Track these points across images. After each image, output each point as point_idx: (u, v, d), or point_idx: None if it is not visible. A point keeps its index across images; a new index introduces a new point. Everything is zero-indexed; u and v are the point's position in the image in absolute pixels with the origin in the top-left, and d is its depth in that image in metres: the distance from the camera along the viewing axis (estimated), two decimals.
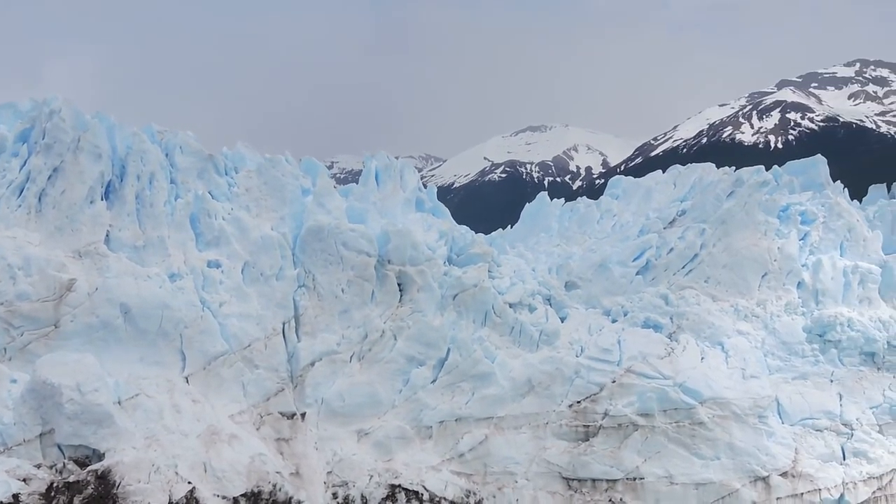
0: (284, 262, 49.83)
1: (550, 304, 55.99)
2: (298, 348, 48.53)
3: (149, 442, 41.23)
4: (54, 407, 39.75)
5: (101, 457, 40.02)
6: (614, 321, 55.54)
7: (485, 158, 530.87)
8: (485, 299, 52.85)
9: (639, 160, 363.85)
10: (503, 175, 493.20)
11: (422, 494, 46.30)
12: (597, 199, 67.57)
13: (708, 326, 54.93)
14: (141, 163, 49.14)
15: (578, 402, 50.87)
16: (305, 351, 48.52)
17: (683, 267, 57.32)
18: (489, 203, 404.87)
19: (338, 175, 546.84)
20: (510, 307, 53.81)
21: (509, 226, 70.13)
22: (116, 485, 38.88)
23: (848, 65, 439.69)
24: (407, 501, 45.86)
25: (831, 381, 54.65)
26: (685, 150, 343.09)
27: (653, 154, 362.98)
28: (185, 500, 39.82)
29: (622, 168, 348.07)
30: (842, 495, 50.81)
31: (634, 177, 70.15)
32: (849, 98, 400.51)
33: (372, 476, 46.27)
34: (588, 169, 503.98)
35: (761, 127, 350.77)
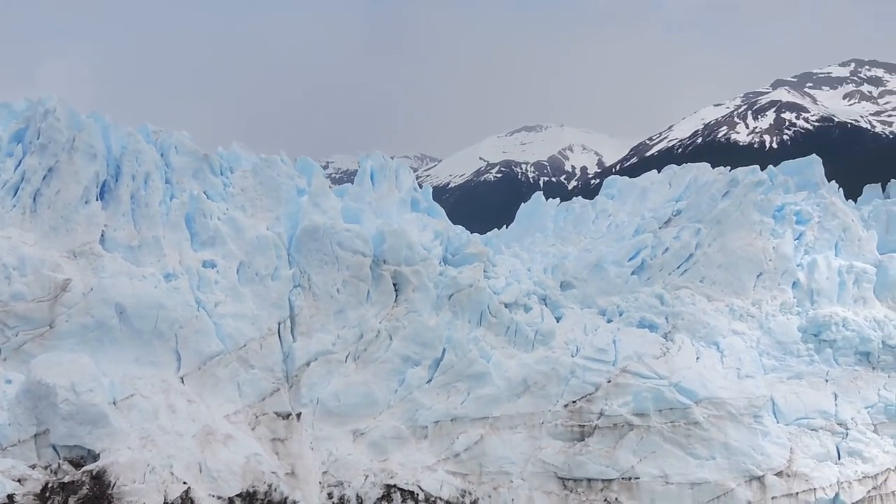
0: (280, 262, 49.80)
1: (546, 304, 56.02)
2: (294, 348, 48.52)
3: (144, 442, 41.19)
4: (49, 407, 39.70)
5: (96, 457, 39.99)
6: (610, 321, 55.56)
7: (480, 158, 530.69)
8: (480, 299, 52.86)
9: (634, 160, 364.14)
10: (498, 175, 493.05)
11: (417, 494, 46.29)
12: (592, 199, 67.65)
13: (703, 326, 54.97)
14: (136, 163, 49.11)
15: (574, 401, 50.90)
16: (301, 351, 48.51)
17: (679, 267, 57.38)
18: (484, 203, 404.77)
19: (333, 175, 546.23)
20: (506, 307, 53.83)
21: (505, 226, 70.22)
22: (111, 485, 38.84)
23: (843, 65, 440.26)
24: (402, 501, 45.85)
25: (826, 381, 54.70)
26: (680, 149, 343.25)
27: (648, 154, 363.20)
28: (180, 501, 39.78)
29: (617, 168, 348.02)
30: (837, 495, 50.86)
31: (630, 177, 70.23)
32: (844, 98, 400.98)
33: (367, 476, 46.26)
34: (583, 169, 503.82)
35: (756, 127, 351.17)
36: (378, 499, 45.62)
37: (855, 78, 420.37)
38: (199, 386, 45.83)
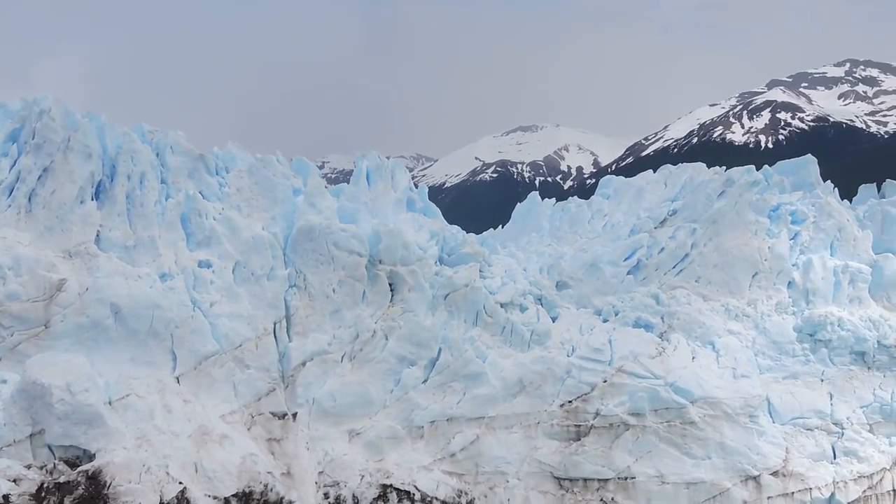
0: (275, 262, 49.76)
1: (542, 304, 56.00)
2: (289, 348, 48.48)
3: (139, 442, 41.14)
4: (44, 407, 39.64)
5: (91, 457, 39.92)
6: (605, 321, 55.56)
7: (476, 158, 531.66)
8: (476, 299, 52.85)
9: (630, 160, 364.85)
10: (494, 175, 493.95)
11: (413, 494, 46.30)
12: (588, 198, 67.65)
13: (699, 326, 55.01)
14: (131, 162, 49.05)
15: (570, 401, 50.90)
16: (296, 351, 48.47)
17: (674, 267, 57.39)
18: (480, 203, 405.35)
19: (329, 175, 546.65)
20: (501, 307, 53.82)
21: (500, 226, 70.17)
22: (107, 485, 38.80)
23: (838, 65, 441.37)
24: (398, 501, 45.85)
25: (822, 381, 54.75)
26: (676, 149, 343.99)
27: (644, 154, 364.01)
28: (175, 501, 39.75)
29: (613, 168, 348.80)
30: (832, 494, 50.94)
31: (625, 177, 70.20)
32: (839, 98, 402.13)
33: (363, 476, 46.25)
34: (579, 169, 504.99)
35: (752, 127, 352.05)
36: (374, 499, 45.62)
37: (850, 78, 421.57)
38: (195, 386, 45.78)
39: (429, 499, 46.43)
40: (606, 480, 49.06)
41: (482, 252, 55.98)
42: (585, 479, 49.10)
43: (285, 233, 51.37)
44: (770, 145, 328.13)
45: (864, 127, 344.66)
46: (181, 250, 48.77)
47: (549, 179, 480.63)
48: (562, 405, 50.85)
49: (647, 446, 49.73)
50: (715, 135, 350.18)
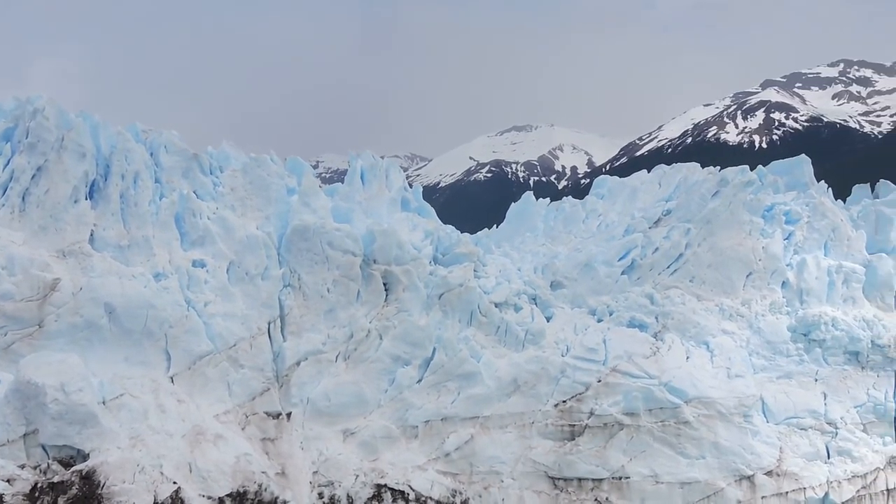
0: (270, 262, 49.72)
1: (536, 304, 56.03)
2: (284, 348, 48.46)
3: (133, 442, 41.09)
4: (38, 407, 39.57)
5: (85, 457, 39.87)
6: (600, 321, 55.61)
7: (470, 158, 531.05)
8: (470, 299, 52.86)
9: (624, 160, 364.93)
10: (489, 175, 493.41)
11: (408, 494, 46.28)
12: (582, 198, 67.70)
13: (693, 326, 55.06)
14: (125, 162, 49.00)
15: (564, 401, 50.93)
16: (291, 350, 48.45)
17: (668, 266, 57.43)
18: (475, 203, 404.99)
19: (323, 174, 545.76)
20: (496, 307, 53.84)
21: (495, 225, 70.25)
22: (101, 485, 38.74)
23: (832, 65, 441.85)
24: (393, 501, 45.84)
25: (816, 381, 54.81)
26: (670, 149, 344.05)
27: (638, 154, 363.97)
28: (170, 501, 39.71)
29: (607, 168, 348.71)
30: (826, 494, 51.02)
31: (620, 176, 70.29)
32: (833, 98, 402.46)
33: (358, 476, 46.23)
34: (573, 169, 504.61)
35: (746, 127, 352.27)
36: (368, 498, 45.60)
37: (844, 78, 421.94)
38: (189, 386, 45.74)
39: (423, 498, 46.42)
40: (601, 480, 49.09)
41: (476, 252, 56.01)
42: (580, 479, 49.13)
43: (279, 232, 51.35)
44: (764, 145, 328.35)
45: (858, 127, 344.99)
46: (175, 250, 48.72)
47: (544, 179, 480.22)
48: (556, 405, 50.88)
49: (641, 446, 49.77)
50: (709, 135, 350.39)
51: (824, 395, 54.20)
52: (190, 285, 47.72)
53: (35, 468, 39.41)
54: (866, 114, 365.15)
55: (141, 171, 49.24)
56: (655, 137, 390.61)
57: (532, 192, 71.25)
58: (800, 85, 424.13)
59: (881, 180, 67.35)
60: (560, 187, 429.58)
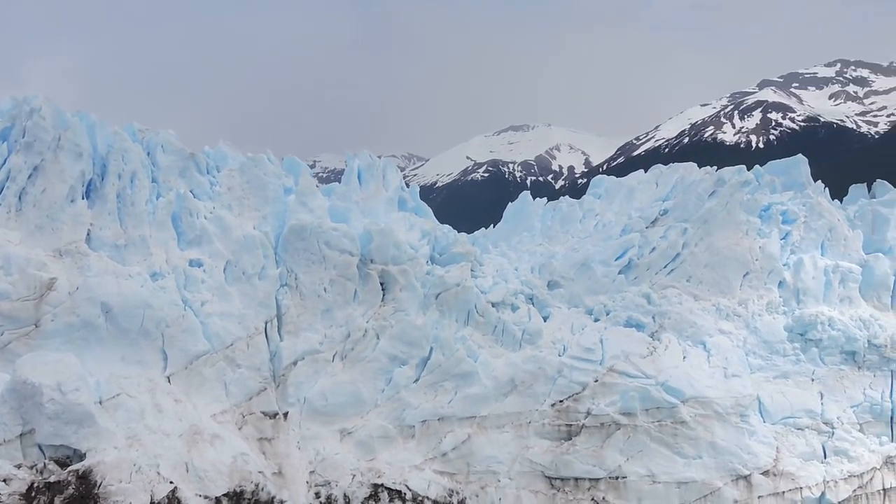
0: (267, 262, 49.70)
1: (533, 304, 56.04)
2: (281, 347, 48.44)
3: (130, 442, 41.05)
4: (35, 407, 39.52)
5: (82, 457, 39.81)
6: (597, 320, 55.61)
7: (467, 158, 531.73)
8: (467, 298, 52.85)
9: (621, 160, 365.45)
10: (486, 174, 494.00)
11: (405, 494, 46.27)
12: (579, 198, 67.71)
13: (690, 325, 55.07)
14: (122, 161, 48.96)
15: (561, 401, 50.93)
16: (288, 350, 48.43)
17: (665, 266, 57.45)
18: (472, 202, 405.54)
19: (320, 174, 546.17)
20: (493, 306, 53.83)
21: (492, 225, 70.21)
22: (98, 485, 38.70)
23: (829, 65, 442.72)
24: (390, 501, 45.83)
25: (812, 380, 54.84)
26: (667, 149, 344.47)
27: (635, 154, 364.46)
28: (166, 500, 39.67)
29: (604, 167, 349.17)
30: (823, 494, 51.05)
31: (617, 176, 70.28)
32: (829, 98, 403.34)
33: (355, 475, 46.22)
34: (570, 168, 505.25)
35: (743, 127, 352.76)
36: (365, 498, 45.59)
37: (841, 78, 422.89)
38: (186, 385, 45.70)
39: (420, 498, 46.42)
40: (597, 480, 49.11)
41: (473, 251, 55.98)
42: (577, 479, 49.14)
43: (276, 232, 51.33)
44: (761, 145, 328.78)
45: (855, 127, 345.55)
46: (172, 249, 48.69)
47: (541, 179, 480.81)
48: (553, 405, 50.88)
49: (638, 446, 49.77)
50: (706, 135, 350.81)
51: (821, 395, 54.25)
52: (187, 285, 47.69)
53: (31, 468, 39.35)
54: (863, 114, 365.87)
55: (138, 171, 49.21)
56: (652, 137, 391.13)
57: (529, 191, 71.24)
58: (797, 85, 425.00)
59: (878, 180, 67.37)
60: (557, 187, 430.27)
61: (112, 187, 48.35)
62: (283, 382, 47.96)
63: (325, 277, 50.27)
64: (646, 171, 67.53)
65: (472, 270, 54.93)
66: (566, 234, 63.13)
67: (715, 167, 62.88)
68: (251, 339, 47.80)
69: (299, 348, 48.68)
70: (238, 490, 42.03)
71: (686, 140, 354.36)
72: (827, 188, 64.66)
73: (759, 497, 49.71)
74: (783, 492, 50.25)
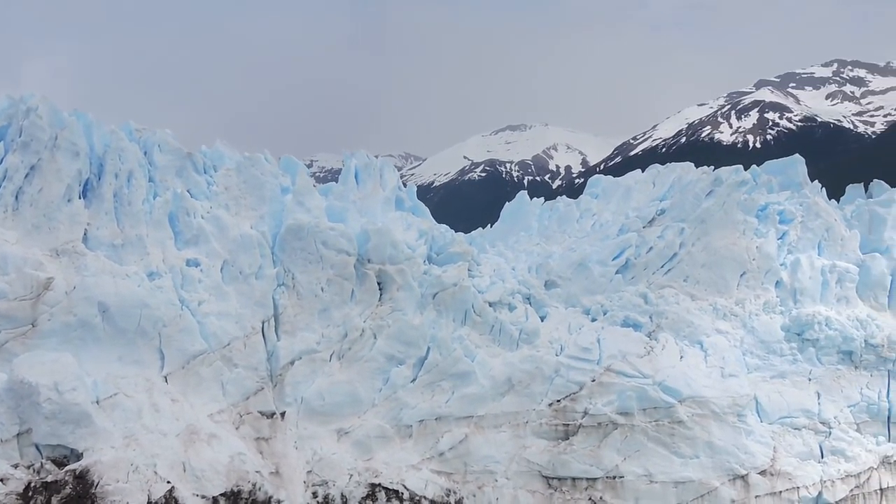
0: (264, 261, 49.67)
1: (530, 303, 56.03)
2: (278, 347, 48.41)
3: (127, 441, 41.03)
4: (32, 406, 39.51)
5: (79, 456, 39.81)
6: (594, 320, 55.61)
7: (464, 157, 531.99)
8: (465, 298, 52.84)
9: (618, 159, 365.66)
10: (483, 174, 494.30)
11: (402, 493, 46.27)
12: (576, 198, 67.68)
13: (687, 325, 55.08)
14: (119, 161, 48.90)
15: (558, 400, 50.94)
16: (285, 350, 48.41)
17: (662, 266, 57.46)
18: (469, 202, 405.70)
19: (317, 174, 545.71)
20: (490, 306, 53.82)
21: (489, 225, 70.16)
22: (95, 484, 38.69)
23: (825, 65, 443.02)
24: (387, 500, 45.83)
25: (809, 380, 54.88)
26: (664, 149, 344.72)
27: (632, 153, 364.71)
28: (164, 500, 39.67)
29: (602, 167, 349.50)
30: (820, 493, 51.10)
31: (614, 176, 70.26)
32: (826, 98, 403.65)
33: (352, 475, 46.21)
34: (567, 168, 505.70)
35: (740, 126, 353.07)
36: (362, 498, 45.58)
37: (838, 78, 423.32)
38: (183, 385, 45.67)
39: (417, 498, 46.42)
40: (595, 479, 49.11)
41: (471, 251, 55.97)
42: (574, 479, 49.15)
43: (273, 231, 51.29)
44: (758, 145, 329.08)
45: (852, 127, 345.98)
46: (169, 249, 48.64)
47: (538, 179, 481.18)
48: (550, 404, 50.88)
49: (635, 445, 49.80)
50: (703, 134, 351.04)
51: (818, 395, 54.28)
52: (184, 284, 47.65)
53: (28, 468, 39.34)
54: (860, 114, 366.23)
55: (135, 170, 49.16)
56: (650, 137, 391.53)
57: (526, 191, 71.21)
58: (794, 85, 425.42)
59: (875, 180, 67.42)
60: (554, 187, 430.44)
61: (109, 187, 48.29)
62: (280, 382, 47.94)
63: (323, 277, 50.24)
64: (643, 171, 67.49)
65: (469, 270, 54.90)
66: (563, 233, 63.12)
67: (712, 167, 62.81)
68: (248, 339, 47.78)
69: (296, 348, 48.66)
70: (235, 490, 42.02)
71: (683, 140, 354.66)
72: (824, 188, 64.71)
73: (756, 497, 49.74)
74: (780, 491, 50.29)
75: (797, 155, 65.67)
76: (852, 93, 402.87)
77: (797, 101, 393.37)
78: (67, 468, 39.29)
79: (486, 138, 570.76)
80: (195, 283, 47.83)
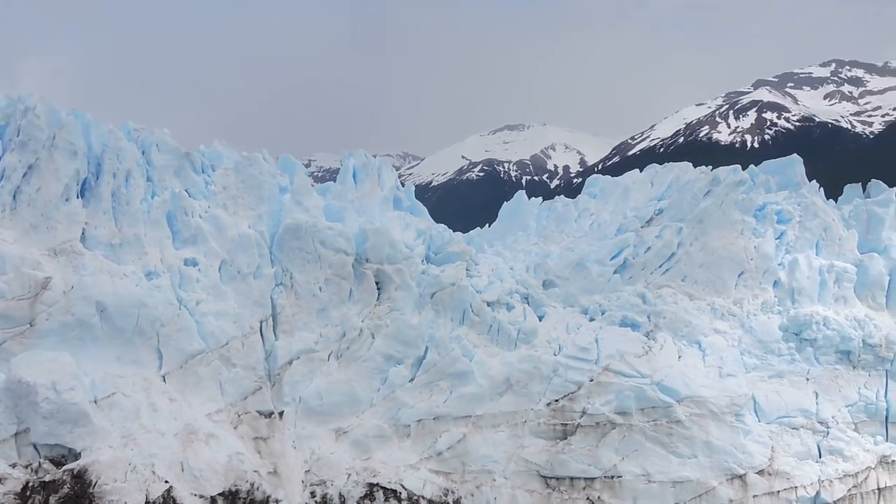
0: (262, 261, 49.65)
1: (528, 303, 56.02)
2: (276, 347, 48.39)
3: (125, 441, 41.01)
4: (30, 406, 39.49)
5: (77, 456, 39.81)
6: (592, 320, 55.62)
7: (462, 157, 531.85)
8: (463, 298, 52.83)
9: (616, 159, 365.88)
10: (481, 174, 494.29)
11: (400, 493, 46.27)
12: (574, 197, 67.67)
13: (685, 325, 55.10)
14: (117, 160, 48.85)
15: (556, 400, 50.95)
16: (283, 349, 48.39)
17: (661, 266, 57.48)
18: (467, 202, 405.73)
19: (315, 173, 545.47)
20: (488, 306, 53.82)
21: (487, 224, 70.13)
22: (93, 484, 38.67)
23: (823, 65, 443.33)
24: (385, 500, 45.81)
25: (807, 380, 54.91)
26: (662, 149, 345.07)
27: (630, 153, 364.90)
28: (161, 500, 39.65)
29: (600, 167, 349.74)
30: (818, 493, 51.12)
31: (612, 176, 70.29)
32: (824, 98, 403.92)
33: (350, 475, 46.21)
34: (566, 168, 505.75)
35: (738, 126, 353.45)
36: (361, 497, 45.57)
37: (835, 78, 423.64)
38: (181, 384, 45.64)
39: (415, 497, 46.42)
40: (593, 479, 49.12)
41: (469, 251, 55.96)
42: (572, 478, 49.16)
43: (272, 231, 51.27)
44: (756, 145, 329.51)
45: (850, 127, 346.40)
46: (167, 248, 48.60)
47: (536, 178, 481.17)
48: (548, 404, 50.89)
49: (633, 445, 49.81)
50: (701, 134, 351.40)
51: (816, 395, 54.31)
52: (182, 284, 47.62)
53: (26, 467, 39.34)
54: (858, 114, 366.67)
55: (132, 170, 49.10)
56: (648, 137, 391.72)
57: (524, 191, 71.22)
58: (791, 85, 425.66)
59: (872, 180, 67.45)
60: (552, 186, 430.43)
61: (107, 186, 48.24)
62: (278, 382, 47.92)
63: (321, 277, 50.23)
64: (641, 171, 67.53)
65: (467, 270, 54.90)
66: (561, 233, 63.12)
67: (710, 167, 62.83)
68: (246, 339, 47.77)
69: (294, 347, 48.65)
70: (233, 489, 42.01)
71: (681, 140, 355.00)
72: (822, 188, 64.76)
73: (754, 496, 49.78)
74: (778, 491, 50.32)
75: (795, 155, 65.67)
76: (850, 93, 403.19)
77: (795, 101, 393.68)
78: (65, 468, 39.28)
79: (484, 138, 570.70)
80: (193, 282, 47.80)
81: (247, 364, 47.32)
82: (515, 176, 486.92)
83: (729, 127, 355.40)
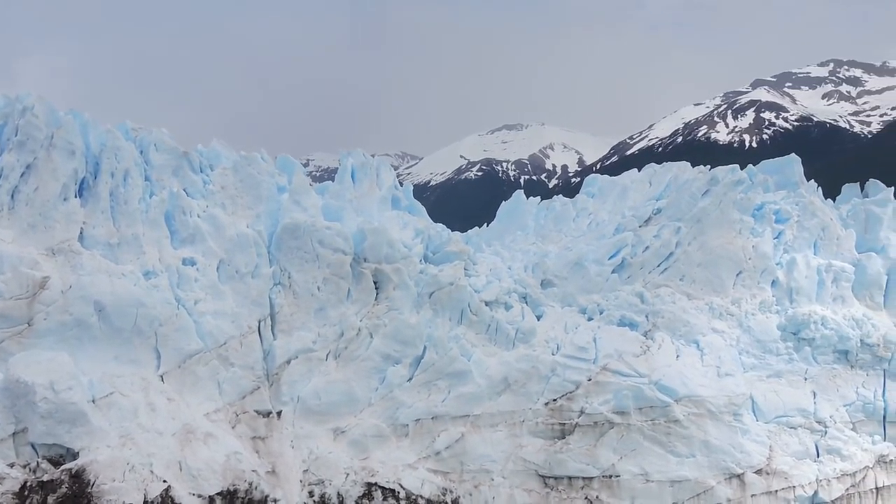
0: (260, 260, 49.65)
1: (526, 303, 56.01)
2: (274, 346, 48.39)
3: (123, 440, 41.01)
4: (28, 406, 39.47)
5: (75, 456, 39.80)
6: (590, 319, 55.63)
7: (461, 157, 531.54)
8: (461, 297, 52.83)
9: (615, 159, 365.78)
10: (479, 173, 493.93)
11: (398, 493, 46.27)
12: (573, 197, 67.65)
13: (683, 324, 55.09)
14: (115, 160, 48.82)
15: (554, 399, 50.95)
16: (281, 349, 48.39)
17: (659, 265, 57.48)
18: (465, 201, 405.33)
19: (314, 173, 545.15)
20: (486, 305, 53.82)
21: (485, 224, 70.06)
22: (91, 484, 38.66)
23: (822, 65, 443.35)
24: (383, 500, 45.82)
25: (805, 379, 54.92)
26: (661, 148, 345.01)
27: (629, 153, 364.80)
28: (160, 499, 39.64)
29: (598, 166, 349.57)
30: (815, 492, 51.14)
31: (610, 175, 70.26)
32: (823, 98, 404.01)
33: (348, 474, 46.20)
34: (564, 167, 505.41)
35: (736, 126, 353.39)
36: (359, 497, 45.57)
37: (834, 78, 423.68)
38: (179, 384, 45.64)
39: (413, 497, 46.42)
40: (591, 479, 49.13)
41: (467, 250, 55.96)
42: (570, 478, 49.16)
43: (270, 230, 51.26)
44: (754, 145, 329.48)
45: (848, 127, 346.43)
46: (165, 248, 48.58)
47: (535, 178, 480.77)
48: (546, 403, 50.90)
49: (631, 444, 49.81)
50: (699, 134, 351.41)
51: (814, 394, 54.33)
52: (180, 283, 47.61)
53: (24, 467, 39.33)
54: (856, 113, 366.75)
55: (131, 169, 49.07)
56: (646, 136, 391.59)
57: (523, 190, 71.14)
58: (790, 84, 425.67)
59: (871, 180, 67.42)
60: (551, 186, 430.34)
61: (105, 186, 48.21)
62: (276, 381, 47.92)
63: (319, 276, 50.23)
64: (639, 171, 67.50)
65: (465, 269, 54.89)
66: (560, 232, 63.12)
67: (708, 166, 62.82)
68: (244, 338, 47.76)
69: (293, 347, 48.65)
70: (231, 489, 42.01)
71: (679, 139, 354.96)
72: (820, 187, 64.73)
73: (752, 496, 49.79)
74: (776, 490, 50.33)
75: (793, 154, 65.61)
76: (848, 92, 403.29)
77: (793, 100, 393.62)
78: (63, 467, 39.26)
79: (482, 137, 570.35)
80: (191, 282, 47.80)
81: (245, 364, 47.32)
82: (514, 175, 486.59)
83: (727, 127, 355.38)
